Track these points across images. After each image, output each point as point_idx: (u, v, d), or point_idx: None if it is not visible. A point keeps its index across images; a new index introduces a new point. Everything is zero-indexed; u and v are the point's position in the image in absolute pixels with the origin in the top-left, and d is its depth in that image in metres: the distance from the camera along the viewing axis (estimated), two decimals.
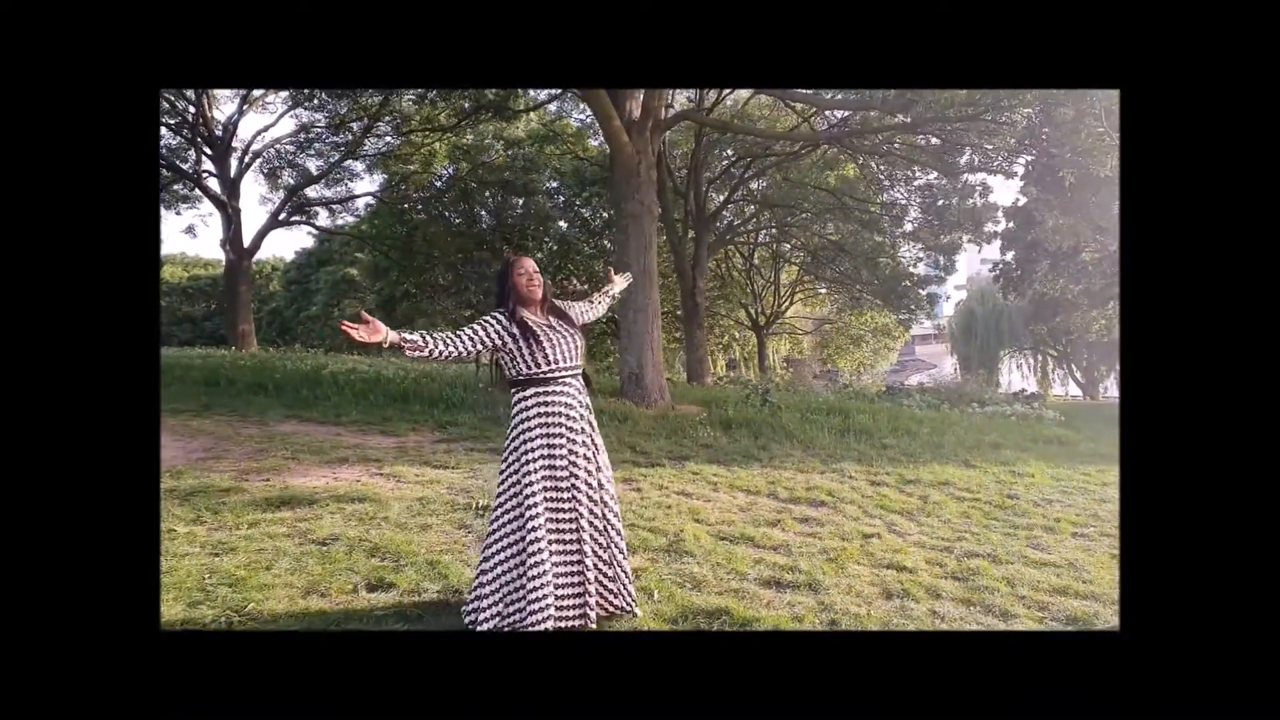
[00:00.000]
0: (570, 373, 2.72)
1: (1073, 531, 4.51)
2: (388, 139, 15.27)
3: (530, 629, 2.47)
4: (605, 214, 18.99)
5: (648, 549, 3.66)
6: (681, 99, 14.25)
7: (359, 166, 16.08)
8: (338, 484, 4.46)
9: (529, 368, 2.65)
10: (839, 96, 11.85)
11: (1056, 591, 3.39)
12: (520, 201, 19.09)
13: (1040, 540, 4.27)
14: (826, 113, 13.53)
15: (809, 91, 11.77)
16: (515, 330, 2.64)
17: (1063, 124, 8.60)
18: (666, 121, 9.97)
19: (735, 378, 18.42)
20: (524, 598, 2.52)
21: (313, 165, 15.50)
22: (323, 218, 18.10)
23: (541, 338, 2.66)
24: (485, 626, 2.55)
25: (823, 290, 24.41)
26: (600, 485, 2.74)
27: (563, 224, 20.47)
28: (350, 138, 14.62)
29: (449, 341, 2.55)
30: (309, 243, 27.04)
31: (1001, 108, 9.01)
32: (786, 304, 24.37)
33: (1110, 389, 31.19)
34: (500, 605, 2.56)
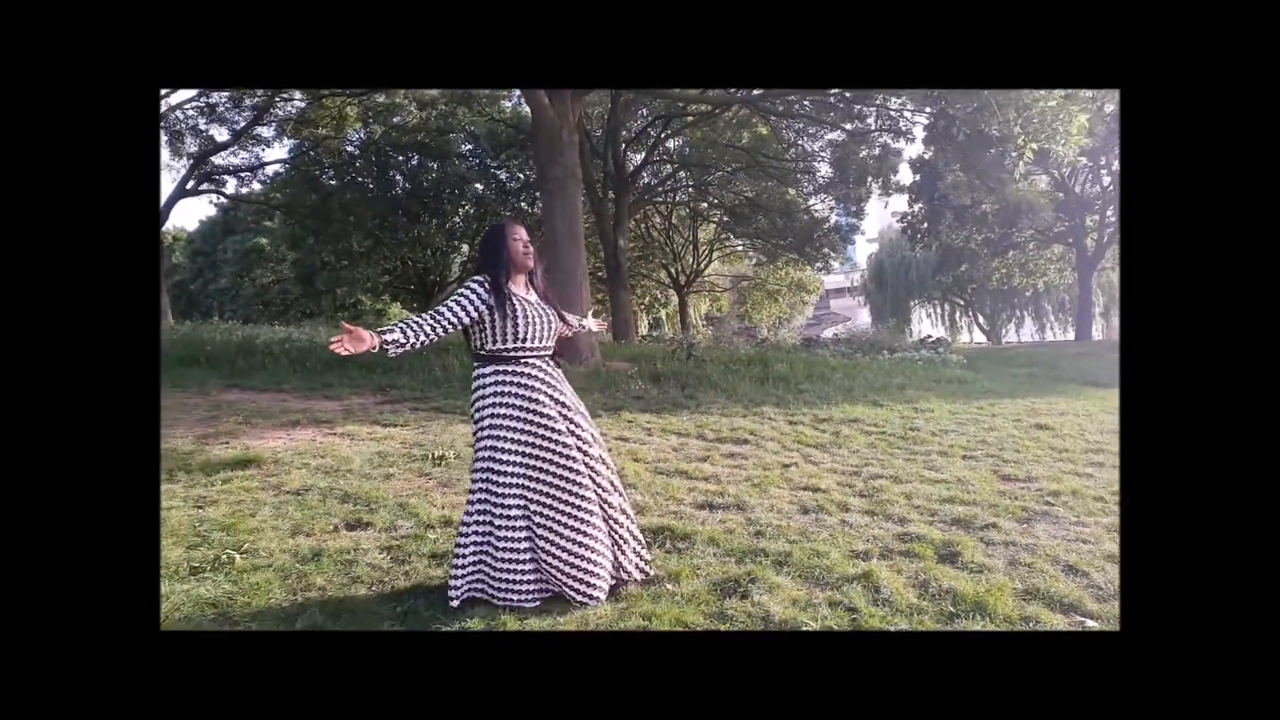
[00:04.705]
0: (537, 354, 2.58)
1: (963, 454, 5.15)
2: (296, 101, 14.75)
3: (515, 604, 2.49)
4: (521, 176, 18.96)
5: None
6: None
7: (267, 133, 15.49)
8: (295, 443, 4.66)
9: (495, 342, 2.53)
10: None
11: (945, 501, 3.96)
12: (435, 164, 18.83)
13: (935, 462, 4.89)
14: None
15: None
16: (492, 301, 2.50)
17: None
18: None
19: (659, 336, 18.88)
20: (499, 578, 2.50)
21: (217, 132, 14.88)
22: (230, 185, 17.42)
23: (518, 313, 2.52)
24: (456, 602, 2.51)
25: (740, 247, 25.07)
26: (598, 462, 2.64)
27: (479, 186, 20.29)
28: (256, 100, 14.06)
29: (431, 328, 2.40)
30: (211, 212, 25.84)
31: None
32: (706, 262, 24.96)
33: (1010, 334, 33.41)
34: (473, 583, 2.54)
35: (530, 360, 2.55)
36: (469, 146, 19.38)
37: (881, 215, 30.95)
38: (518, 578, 2.51)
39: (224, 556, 2.82)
